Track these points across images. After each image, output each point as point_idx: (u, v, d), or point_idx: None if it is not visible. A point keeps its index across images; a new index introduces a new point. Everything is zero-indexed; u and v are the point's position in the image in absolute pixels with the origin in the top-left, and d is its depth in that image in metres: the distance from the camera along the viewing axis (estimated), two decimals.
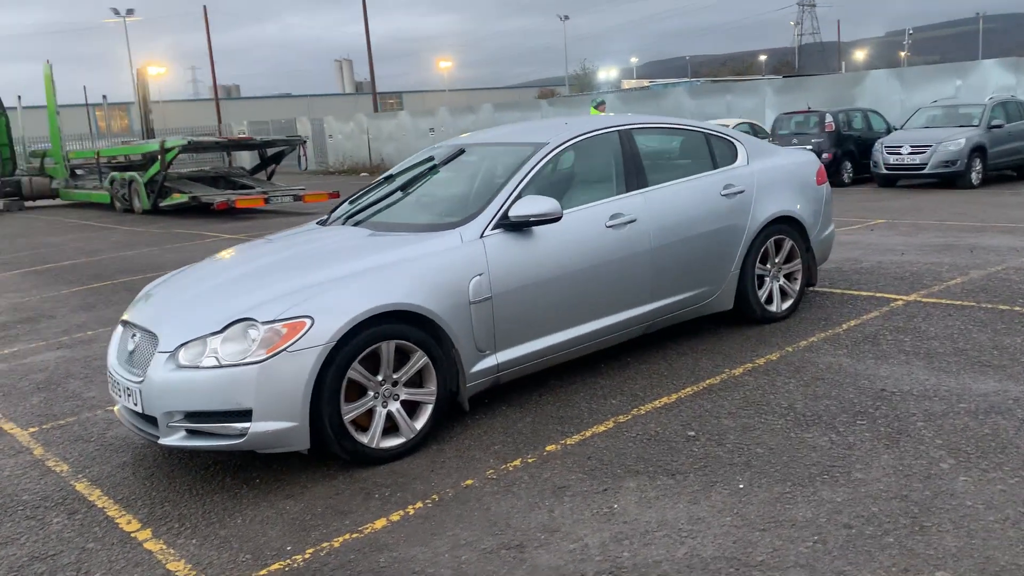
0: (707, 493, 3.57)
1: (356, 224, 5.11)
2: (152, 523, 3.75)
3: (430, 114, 33.72)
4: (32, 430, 5.14)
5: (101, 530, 3.73)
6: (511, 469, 3.98)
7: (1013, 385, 4.51)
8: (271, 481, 4.09)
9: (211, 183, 20.26)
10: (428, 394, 4.28)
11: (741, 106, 23.69)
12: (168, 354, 4.00)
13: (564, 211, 4.91)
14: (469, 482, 3.89)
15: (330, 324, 3.93)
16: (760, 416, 4.34)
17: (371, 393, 4.12)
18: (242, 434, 3.87)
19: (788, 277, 6.13)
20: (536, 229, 4.73)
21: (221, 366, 3.86)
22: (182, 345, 3.98)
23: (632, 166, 5.32)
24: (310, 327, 3.91)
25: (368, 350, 4.05)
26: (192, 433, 3.97)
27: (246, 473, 4.20)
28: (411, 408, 4.28)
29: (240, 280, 4.41)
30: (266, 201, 17.82)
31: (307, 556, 3.35)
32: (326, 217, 5.59)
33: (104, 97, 42.17)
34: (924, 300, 6.39)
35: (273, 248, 4.99)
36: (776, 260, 5.99)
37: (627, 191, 5.24)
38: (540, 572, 3.09)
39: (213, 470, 4.28)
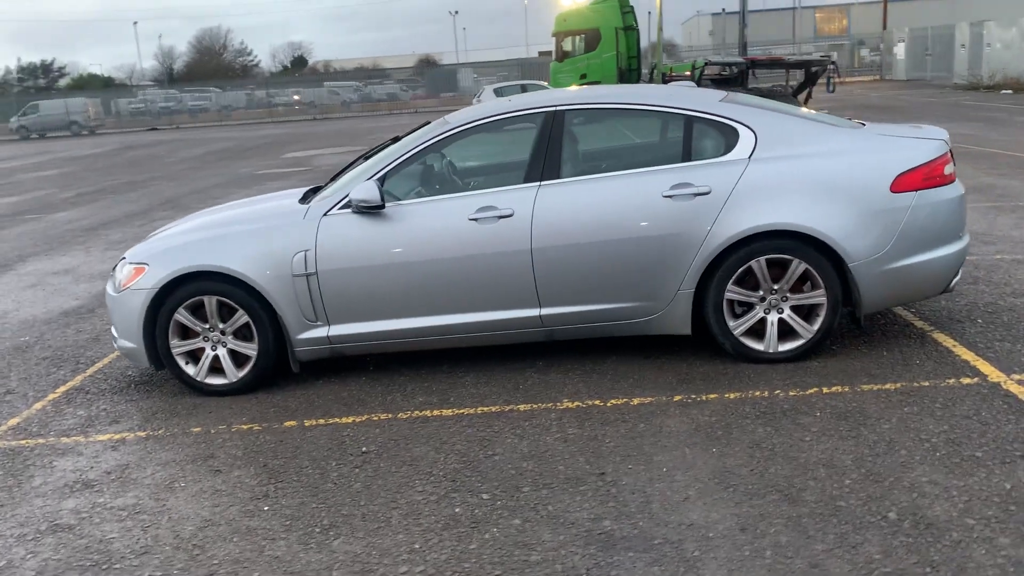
0: (232, 505, 3.65)
1: (314, 190, 5.61)
2: (61, 402, 5.26)
3: None
4: None
5: (42, 382, 5.43)
6: (233, 431, 4.46)
7: (722, 510, 3.13)
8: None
9: None
10: (252, 348, 4.91)
11: None
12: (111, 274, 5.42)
13: (430, 199, 4.84)
14: (196, 430, 4.53)
15: (157, 274, 4.86)
16: (448, 456, 3.91)
17: (201, 336, 4.94)
18: (116, 345, 5.14)
19: (801, 311, 4.65)
20: (391, 215, 4.78)
21: (113, 291, 5.14)
22: (113, 269, 5.35)
23: (542, 154, 4.74)
24: (145, 273, 4.90)
25: (192, 300, 4.86)
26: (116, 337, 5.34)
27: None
28: (242, 357, 4.96)
29: (183, 231, 5.46)
30: None
31: (26, 441, 4.52)
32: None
33: (721, 10, 43.95)
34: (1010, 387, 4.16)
35: (230, 207, 5.85)
36: (776, 286, 4.61)
37: (524, 182, 4.73)
38: (51, 517, 3.77)
39: None
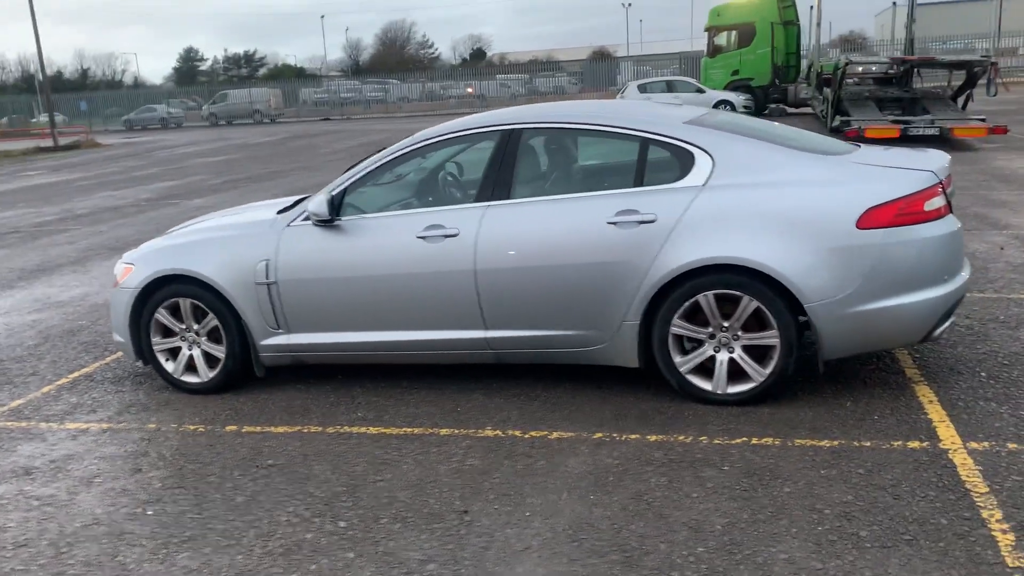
0: (125, 507, 3.83)
1: (303, 198, 5.70)
2: (65, 388, 5.70)
3: None
4: None
5: (64, 367, 5.88)
6: (179, 431, 4.67)
7: (553, 567, 2.95)
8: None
9: (907, 104, 18.98)
10: (221, 350, 5.11)
11: None
12: None
13: (384, 215, 4.88)
14: (152, 426, 4.77)
15: (140, 274, 5.15)
16: (340, 477, 3.92)
17: (178, 336, 5.19)
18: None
19: (756, 352, 4.29)
20: (348, 228, 4.82)
21: (112, 287, 5.49)
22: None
23: (496, 173, 4.62)
24: (132, 273, 5.20)
25: (170, 301, 5.12)
26: None
27: None
28: (213, 358, 5.17)
29: (176, 234, 5.70)
30: (901, 132, 16.08)
31: (11, 424, 4.92)
32: None
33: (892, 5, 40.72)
34: (963, 453, 3.63)
35: (231, 212, 6.03)
36: (727, 323, 4.28)
37: (476, 201, 4.64)
38: None
39: None
